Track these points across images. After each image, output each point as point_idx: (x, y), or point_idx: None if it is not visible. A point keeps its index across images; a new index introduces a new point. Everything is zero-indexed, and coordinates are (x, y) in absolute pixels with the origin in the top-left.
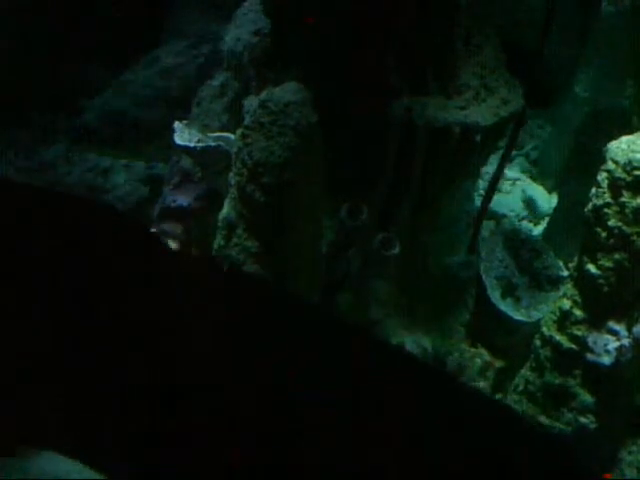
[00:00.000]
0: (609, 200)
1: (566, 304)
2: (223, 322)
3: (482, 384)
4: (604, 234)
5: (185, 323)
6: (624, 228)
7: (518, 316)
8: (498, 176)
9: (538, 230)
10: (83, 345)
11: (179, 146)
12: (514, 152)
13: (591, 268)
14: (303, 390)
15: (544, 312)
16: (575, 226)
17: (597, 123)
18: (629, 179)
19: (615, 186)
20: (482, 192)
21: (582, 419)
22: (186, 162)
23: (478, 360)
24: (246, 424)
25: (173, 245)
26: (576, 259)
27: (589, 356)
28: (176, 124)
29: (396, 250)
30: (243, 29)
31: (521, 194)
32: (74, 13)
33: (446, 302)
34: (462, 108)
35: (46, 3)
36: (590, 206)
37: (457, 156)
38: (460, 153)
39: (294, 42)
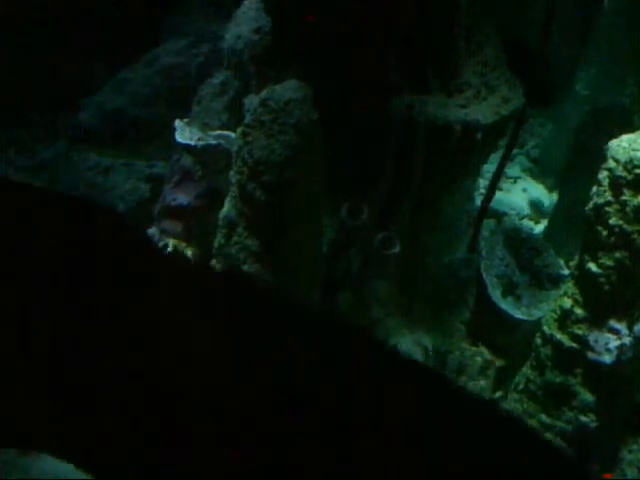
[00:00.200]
0: (610, 198)
1: (567, 303)
2: (219, 323)
3: (483, 382)
4: (605, 232)
5: (182, 324)
6: (625, 226)
7: (519, 314)
8: (499, 175)
9: (539, 228)
10: (80, 346)
11: (180, 144)
12: (515, 150)
13: (592, 267)
14: (302, 392)
15: (545, 311)
16: (576, 224)
17: (598, 121)
18: (630, 177)
19: (616, 184)
20: (483, 191)
21: (583, 418)
22: (187, 160)
23: (479, 359)
24: (245, 425)
25: (173, 243)
26: (577, 257)
27: (590, 355)
28: (177, 122)
29: (396, 249)
30: (244, 27)
31: (522, 192)
32: (74, 13)
33: (446, 301)
34: (463, 106)
35: (46, 3)
36: (591, 204)
37: (458, 155)
38: (461, 152)
39: (295, 40)
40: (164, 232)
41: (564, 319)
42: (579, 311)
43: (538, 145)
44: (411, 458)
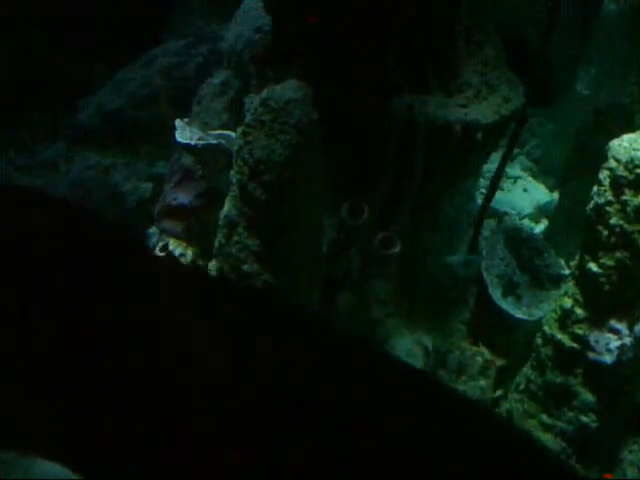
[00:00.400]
0: (611, 198)
1: (567, 303)
2: (218, 323)
3: (483, 382)
4: (605, 232)
5: (182, 324)
6: (626, 226)
7: (519, 314)
8: (499, 175)
9: (539, 228)
10: (80, 346)
11: (180, 144)
12: (515, 150)
13: (592, 266)
14: (302, 392)
15: (545, 311)
16: (576, 224)
17: (598, 121)
18: (631, 177)
19: (617, 184)
20: (483, 191)
21: (583, 418)
22: (187, 160)
23: (479, 358)
24: (245, 425)
25: (173, 243)
26: (577, 257)
27: (591, 355)
28: (177, 122)
29: (397, 249)
30: (244, 27)
31: (522, 192)
32: (74, 13)
33: (447, 301)
34: (463, 106)
35: (46, 3)
36: (591, 204)
37: (458, 155)
38: (461, 152)
39: (295, 40)
40: (164, 232)
41: (565, 319)
42: (580, 311)
43: (539, 145)
44: (410, 464)
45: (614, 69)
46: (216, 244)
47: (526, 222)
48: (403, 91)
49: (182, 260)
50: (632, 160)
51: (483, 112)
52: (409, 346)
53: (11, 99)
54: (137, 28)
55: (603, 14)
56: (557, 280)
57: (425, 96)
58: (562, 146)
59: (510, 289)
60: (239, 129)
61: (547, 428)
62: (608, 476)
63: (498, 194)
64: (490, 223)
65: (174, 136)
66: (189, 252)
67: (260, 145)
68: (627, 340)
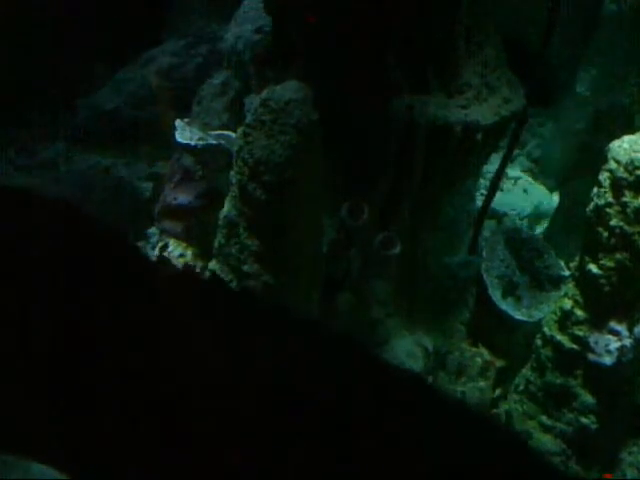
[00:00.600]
0: (611, 200)
1: (567, 304)
2: (218, 324)
3: (482, 383)
4: (605, 234)
5: (182, 325)
6: (626, 228)
7: (519, 315)
8: (500, 175)
9: (539, 229)
10: (80, 346)
11: (180, 144)
12: (515, 151)
13: (592, 268)
14: (302, 392)
15: (545, 312)
16: (576, 226)
17: (598, 122)
18: (631, 179)
19: (617, 186)
20: (483, 191)
21: (583, 419)
22: (187, 160)
23: (478, 359)
24: (245, 425)
25: (174, 244)
26: (577, 259)
27: (590, 356)
28: (177, 122)
29: (397, 250)
30: (244, 27)
31: (522, 193)
32: (74, 13)
33: (447, 301)
34: (463, 107)
35: (46, 3)
36: (592, 206)
37: (458, 155)
38: (461, 152)
39: (295, 40)
40: (164, 232)
41: (564, 320)
42: (579, 312)
43: (539, 145)
44: (410, 459)
45: (614, 69)
46: (216, 244)
47: (526, 223)
48: (403, 91)
49: (182, 260)
50: (632, 162)
51: (483, 113)
52: (409, 347)
53: (11, 99)
54: (137, 28)
55: (603, 14)
56: (557, 281)
57: (425, 96)
58: (562, 147)
59: (510, 290)
60: (239, 129)
61: (547, 429)
62: (608, 476)
63: (498, 195)
64: (490, 224)
65: (174, 136)
66: (189, 252)
67: (260, 145)
68: (627, 341)
